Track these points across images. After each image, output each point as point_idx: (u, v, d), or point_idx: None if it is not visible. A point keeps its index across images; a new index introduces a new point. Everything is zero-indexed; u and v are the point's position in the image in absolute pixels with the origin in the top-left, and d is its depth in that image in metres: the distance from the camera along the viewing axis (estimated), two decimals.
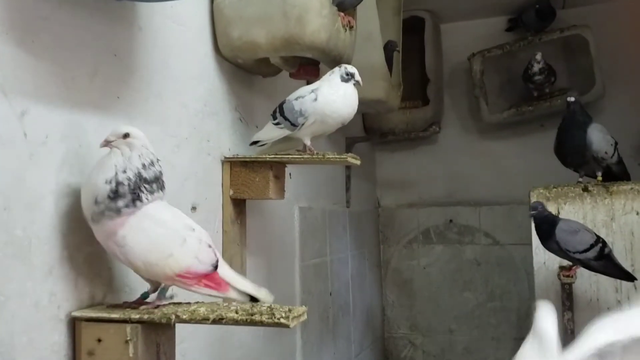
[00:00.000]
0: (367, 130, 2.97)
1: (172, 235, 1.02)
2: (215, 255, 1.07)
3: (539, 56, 2.74)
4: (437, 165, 3.16)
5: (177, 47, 1.38)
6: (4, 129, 0.91)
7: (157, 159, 1.03)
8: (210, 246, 1.07)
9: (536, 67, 2.76)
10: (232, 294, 1.08)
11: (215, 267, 1.06)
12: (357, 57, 1.72)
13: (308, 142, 1.54)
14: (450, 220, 3.10)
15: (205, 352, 1.44)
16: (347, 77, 1.47)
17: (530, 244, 2.18)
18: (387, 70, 2.16)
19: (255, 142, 1.61)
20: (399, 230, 3.20)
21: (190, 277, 1.03)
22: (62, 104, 1.02)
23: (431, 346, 3.13)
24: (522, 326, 2.95)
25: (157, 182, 1.01)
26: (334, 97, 1.47)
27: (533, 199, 2.07)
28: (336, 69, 1.49)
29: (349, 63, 1.66)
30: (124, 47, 1.19)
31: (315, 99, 1.47)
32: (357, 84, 1.49)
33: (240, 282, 1.10)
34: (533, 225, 1.89)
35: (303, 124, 1.49)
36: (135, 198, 0.97)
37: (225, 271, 1.09)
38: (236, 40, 1.50)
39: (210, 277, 1.05)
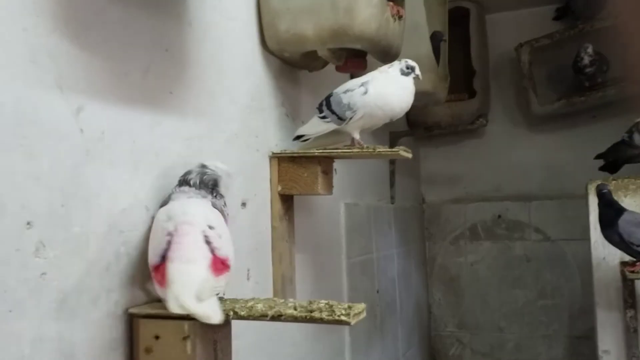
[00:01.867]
0: (411, 124, 2.92)
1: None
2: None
3: (589, 49, 2.63)
4: (484, 159, 3.08)
5: (226, 42, 1.37)
6: (62, 125, 0.90)
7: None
8: (169, 234, 0.95)
9: (586, 59, 2.65)
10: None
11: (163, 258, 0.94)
12: (404, 48, 1.67)
13: (357, 136, 1.51)
14: (499, 216, 3.02)
15: (258, 349, 1.42)
16: (408, 71, 1.45)
17: (583, 239, 2.10)
18: (434, 61, 2.10)
19: (298, 137, 1.58)
20: (445, 227, 3.13)
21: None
22: (116, 100, 1.01)
23: (480, 344, 3.06)
24: (575, 324, 2.85)
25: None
26: (388, 90, 1.43)
27: (591, 193, 1.99)
28: (396, 62, 1.46)
29: (398, 54, 1.62)
30: (175, 42, 1.18)
31: (365, 92, 1.43)
32: (417, 77, 1.46)
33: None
34: (593, 213, 1.81)
35: (351, 118, 1.46)
36: None
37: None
38: (283, 33, 1.48)
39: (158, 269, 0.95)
